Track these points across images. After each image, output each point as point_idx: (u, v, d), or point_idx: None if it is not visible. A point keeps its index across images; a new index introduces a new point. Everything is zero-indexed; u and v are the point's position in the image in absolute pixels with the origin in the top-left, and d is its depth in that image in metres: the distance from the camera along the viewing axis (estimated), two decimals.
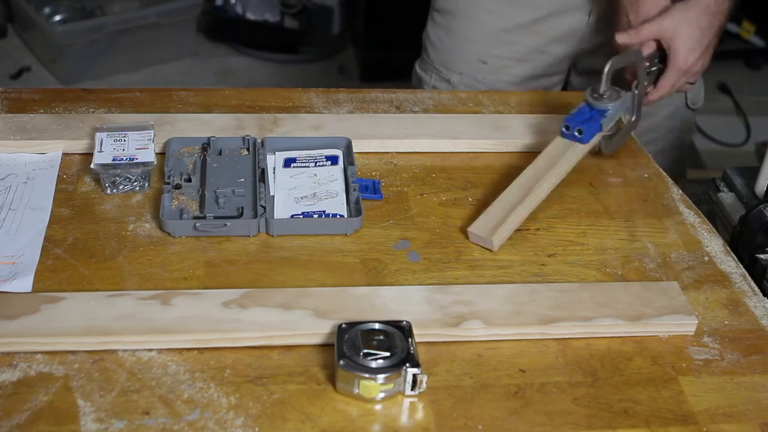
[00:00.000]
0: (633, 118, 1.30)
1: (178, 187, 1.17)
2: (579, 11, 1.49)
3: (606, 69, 1.22)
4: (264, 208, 1.13)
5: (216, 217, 1.11)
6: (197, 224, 1.10)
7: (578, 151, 1.22)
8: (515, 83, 1.57)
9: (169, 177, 1.17)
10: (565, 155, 1.21)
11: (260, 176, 1.18)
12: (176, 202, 1.14)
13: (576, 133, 1.22)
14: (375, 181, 1.22)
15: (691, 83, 1.38)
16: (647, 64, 1.31)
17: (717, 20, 1.32)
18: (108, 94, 1.39)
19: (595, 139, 1.24)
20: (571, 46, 1.55)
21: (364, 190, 1.20)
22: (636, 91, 1.29)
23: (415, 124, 1.35)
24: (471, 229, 1.12)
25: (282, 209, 1.15)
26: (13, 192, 1.16)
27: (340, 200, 1.17)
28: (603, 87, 1.23)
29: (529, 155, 1.32)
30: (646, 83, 1.32)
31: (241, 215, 1.12)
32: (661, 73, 1.33)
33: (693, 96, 1.58)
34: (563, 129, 1.23)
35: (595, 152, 1.29)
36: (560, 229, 1.18)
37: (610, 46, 1.48)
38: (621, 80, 1.33)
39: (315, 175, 1.22)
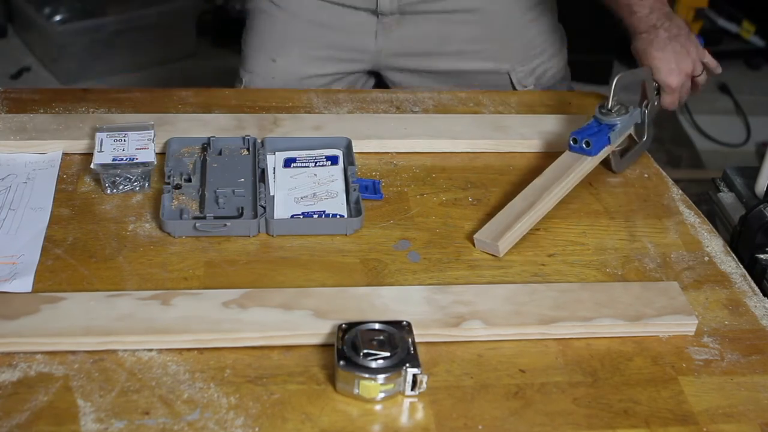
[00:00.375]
0: (645, 137, 1.31)
1: (178, 187, 1.17)
2: (365, 12, 1.48)
3: (613, 84, 1.22)
4: (264, 208, 1.12)
5: (216, 217, 1.11)
6: (197, 224, 1.10)
7: (586, 164, 1.23)
8: (307, 79, 1.56)
9: (169, 177, 1.17)
10: (572, 167, 1.21)
11: (260, 176, 1.18)
12: (176, 202, 1.14)
13: (584, 145, 1.22)
14: (375, 181, 1.22)
15: (701, 82, 1.38)
16: (655, 84, 1.32)
17: (664, 22, 1.33)
18: (108, 94, 1.39)
19: (604, 153, 1.25)
20: (364, 43, 1.53)
21: (364, 190, 1.20)
22: (646, 110, 1.30)
23: (415, 124, 1.35)
24: (477, 236, 1.12)
25: (282, 209, 1.15)
26: (13, 192, 1.16)
27: (340, 200, 1.17)
28: (611, 102, 1.24)
29: (529, 156, 1.32)
30: (656, 102, 1.33)
31: (241, 215, 1.12)
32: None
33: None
34: (571, 142, 1.23)
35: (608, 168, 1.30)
36: (560, 229, 1.18)
37: (410, 45, 1.49)
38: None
39: (315, 175, 1.22)
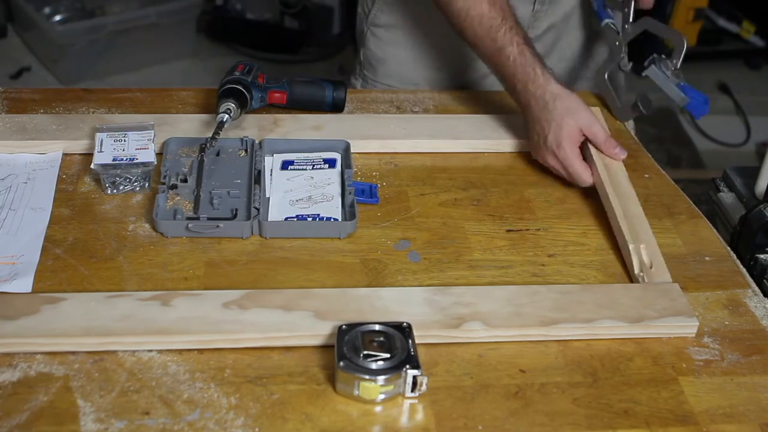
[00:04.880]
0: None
1: (173, 187, 1.16)
2: (524, 2, 1.45)
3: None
4: (258, 210, 1.12)
5: (209, 219, 1.11)
6: (190, 225, 1.09)
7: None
8: (472, 84, 1.54)
9: (165, 177, 1.16)
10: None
11: (256, 178, 1.17)
12: (171, 203, 1.14)
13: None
14: (372, 185, 1.22)
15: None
16: None
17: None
18: (108, 94, 1.39)
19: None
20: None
21: (361, 193, 1.19)
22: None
23: (415, 124, 1.35)
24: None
25: (277, 211, 1.15)
26: (14, 192, 1.16)
27: (335, 204, 1.17)
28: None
29: (529, 156, 1.32)
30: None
31: (234, 217, 1.12)
32: None
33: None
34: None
35: None
36: (561, 229, 1.18)
37: (553, 31, 1.48)
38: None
39: (312, 177, 1.21)
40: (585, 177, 1.23)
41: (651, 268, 1.10)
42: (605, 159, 1.25)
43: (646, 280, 1.09)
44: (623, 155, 1.26)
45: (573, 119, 1.22)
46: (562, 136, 1.22)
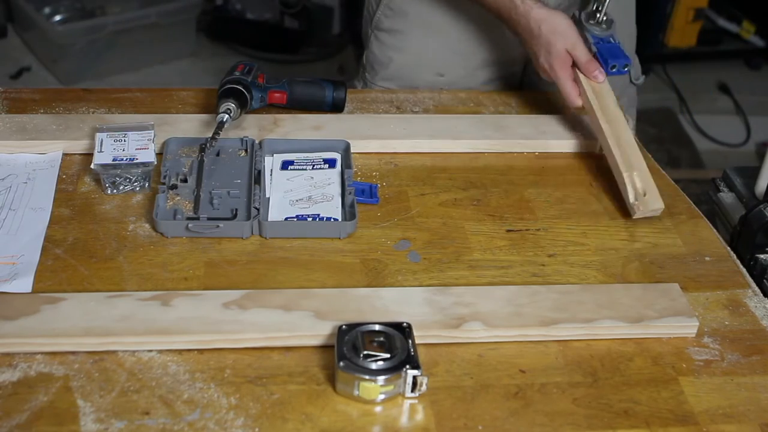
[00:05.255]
0: None
1: (173, 187, 1.16)
2: None
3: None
4: (258, 209, 1.12)
5: (209, 219, 1.11)
6: (190, 225, 1.09)
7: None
8: (473, 88, 1.53)
9: (165, 177, 1.17)
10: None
11: (256, 178, 1.17)
12: (171, 203, 1.14)
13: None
14: (372, 185, 1.22)
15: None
16: None
17: None
18: (108, 94, 1.39)
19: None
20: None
21: (361, 194, 1.19)
22: None
23: (415, 124, 1.35)
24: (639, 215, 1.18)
25: (277, 211, 1.15)
26: (14, 192, 1.16)
27: (335, 204, 1.17)
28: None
29: (529, 156, 1.32)
30: None
31: (234, 217, 1.12)
32: None
33: (634, 72, 1.57)
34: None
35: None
36: (560, 229, 1.18)
37: None
38: None
39: (312, 178, 1.21)
40: (573, 98, 1.30)
41: (645, 195, 1.18)
42: (593, 82, 1.29)
43: (641, 209, 1.18)
44: (602, 78, 1.30)
45: (560, 41, 1.28)
46: (552, 59, 1.29)
